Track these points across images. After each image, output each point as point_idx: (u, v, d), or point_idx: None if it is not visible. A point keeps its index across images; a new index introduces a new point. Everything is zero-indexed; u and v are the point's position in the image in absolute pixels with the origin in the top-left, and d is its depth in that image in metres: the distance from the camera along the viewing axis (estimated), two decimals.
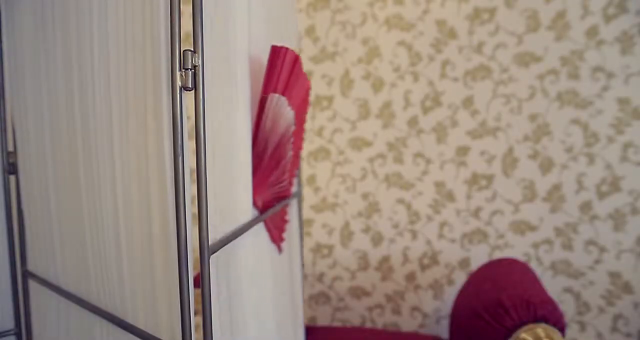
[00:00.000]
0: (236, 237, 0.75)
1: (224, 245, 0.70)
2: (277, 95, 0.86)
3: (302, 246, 1.36)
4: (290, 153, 1.04)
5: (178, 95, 0.58)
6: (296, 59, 0.89)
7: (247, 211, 0.83)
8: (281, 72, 0.84)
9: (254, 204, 0.92)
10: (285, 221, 1.17)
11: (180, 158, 0.59)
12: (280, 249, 1.12)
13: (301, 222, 1.37)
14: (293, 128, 1.00)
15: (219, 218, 0.74)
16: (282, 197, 1.09)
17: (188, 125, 0.61)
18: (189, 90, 0.59)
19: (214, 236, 0.73)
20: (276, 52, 0.82)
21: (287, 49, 0.83)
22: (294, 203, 1.32)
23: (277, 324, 1.02)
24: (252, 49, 0.86)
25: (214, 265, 0.73)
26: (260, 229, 0.95)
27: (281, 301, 1.10)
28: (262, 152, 0.92)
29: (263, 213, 0.95)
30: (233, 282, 0.78)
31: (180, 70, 0.58)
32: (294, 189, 1.28)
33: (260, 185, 0.95)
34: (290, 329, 1.20)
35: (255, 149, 0.89)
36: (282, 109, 0.90)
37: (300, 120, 1.08)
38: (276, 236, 1.08)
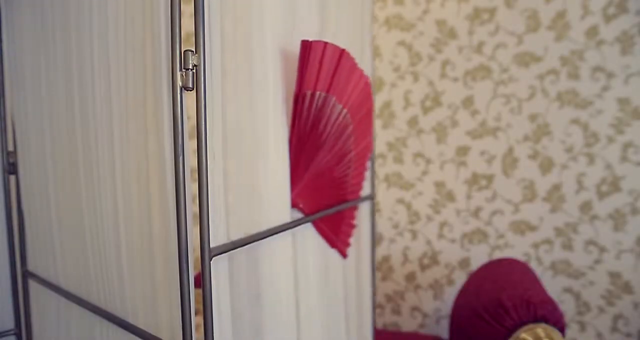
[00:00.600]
0: (259, 239, 0.72)
1: (235, 248, 0.68)
2: (318, 92, 0.80)
3: (374, 252, 1.27)
4: (352, 153, 0.98)
5: (179, 95, 0.58)
6: (341, 55, 0.83)
7: (279, 213, 0.79)
8: (321, 69, 0.79)
9: (295, 206, 0.87)
10: (351, 225, 1.10)
11: (180, 158, 0.59)
12: (344, 254, 1.06)
13: (374, 227, 1.28)
14: (351, 127, 0.93)
15: (234, 220, 0.72)
16: (342, 200, 1.03)
17: (189, 125, 0.61)
18: (190, 90, 0.59)
19: (227, 238, 0.71)
20: (306, 48, 0.76)
21: (325, 43, 0.78)
22: (364, 206, 1.22)
23: (326, 329, 0.97)
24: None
25: (226, 266, 0.71)
26: (306, 232, 0.91)
27: (337, 306, 1.04)
28: (303, 153, 0.85)
29: (308, 215, 0.90)
30: (259, 284, 0.75)
31: (180, 70, 0.58)
32: (365, 191, 1.18)
33: (306, 188, 0.90)
34: (354, 335, 1.15)
35: (294, 150, 0.84)
36: (327, 107, 0.83)
37: (360, 118, 0.99)
38: (335, 240, 1.01)
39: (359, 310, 1.20)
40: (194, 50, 0.59)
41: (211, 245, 0.63)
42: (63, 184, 0.90)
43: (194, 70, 0.58)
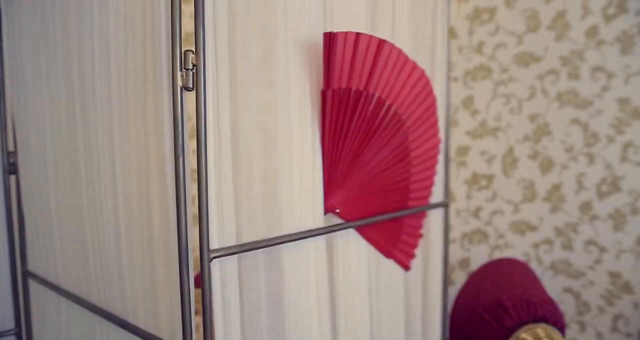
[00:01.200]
0: (274, 244, 0.70)
1: (241, 251, 0.66)
2: (353, 88, 0.74)
3: (446, 265, 1.13)
4: (411, 155, 0.90)
5: (179, 96, 0.58)
6: (380, 46, 0.75)
7: (307, 218, 0.74)
8: (354, 62, 0.72)
9: (331, 211, 0.81)
10: (415, 235, 1.00)
11: (181, 158, 0.59)
12: (406, 266, 0.98)
13: (447, 237, 1.12)
14: (406, 125, 0.86)
15: (247, 222, 0.70)
16: (400, 207, 0.93)
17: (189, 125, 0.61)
18: (190, 90, 0.59)
19: (237, 240, 0.69)
20: (328, 40, 0.70)
21: (356, 34, 0.71)
22: (435, 214, 1.08)
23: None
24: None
25: (235, 268, 0.69)
26: (349, 239, 0.84)
27: (395, 321, 0.96)
28: (341, 155, 0.79)
29: (348, 222, 0.83)
30: (281, 290, 0.72)
31: (181, 70, 0.58)
32: (435, 198, 1.07)
33: (348, 192, 0.82)
34: None
35: (329, 151, 0.77)
36: (367, 103, 0.76)
37: (419, 116, 0.90)
38: (392, 250, 0.93)
39: (424, 328, 1.08)
40: (193, 50, 0.59)
41: (215, 247, 0.62)
42: (63, 183, 0.90)
43: (194, 70, 0.58)
